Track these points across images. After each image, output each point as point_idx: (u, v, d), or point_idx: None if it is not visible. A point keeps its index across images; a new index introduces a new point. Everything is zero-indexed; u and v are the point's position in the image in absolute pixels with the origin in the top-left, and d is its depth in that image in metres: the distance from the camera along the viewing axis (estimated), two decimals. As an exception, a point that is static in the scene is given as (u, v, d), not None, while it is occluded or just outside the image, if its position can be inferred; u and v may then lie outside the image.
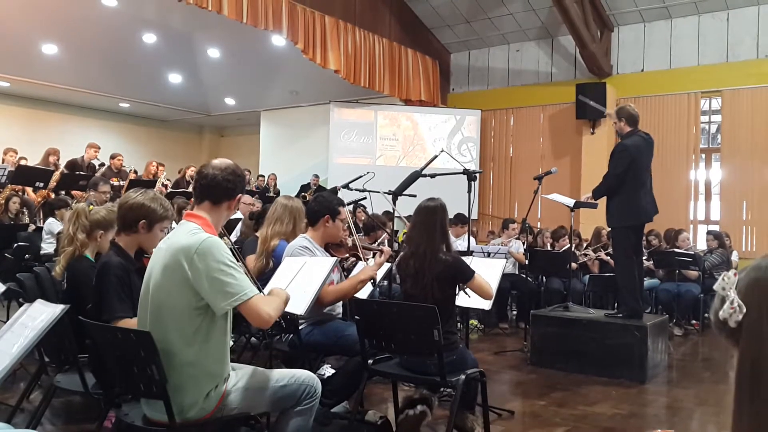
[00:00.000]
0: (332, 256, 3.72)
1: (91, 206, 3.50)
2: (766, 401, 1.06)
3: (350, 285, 3.55)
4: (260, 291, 2.76)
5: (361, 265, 3.93)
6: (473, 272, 3.32)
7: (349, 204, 4.75)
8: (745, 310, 1.08)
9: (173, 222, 3.24)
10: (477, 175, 4.56)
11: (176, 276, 2.29)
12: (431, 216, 3.39)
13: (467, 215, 4.63)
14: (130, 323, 2.66)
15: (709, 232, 8.48)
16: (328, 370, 3.84)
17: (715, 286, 1.14)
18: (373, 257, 3.98)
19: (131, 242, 2.99)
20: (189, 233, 2.34)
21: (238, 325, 3.97)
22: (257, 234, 4.64)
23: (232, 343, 4.89)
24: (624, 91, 10.79)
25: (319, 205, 3.83)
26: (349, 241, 4.00)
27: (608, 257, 7.94)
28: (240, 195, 2.56)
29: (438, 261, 3.27)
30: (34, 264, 5.38)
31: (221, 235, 2.48)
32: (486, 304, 3.71)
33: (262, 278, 3.95)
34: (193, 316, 2.29)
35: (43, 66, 11.57)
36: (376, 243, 6.21)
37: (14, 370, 2.93)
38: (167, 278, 2.32)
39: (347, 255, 4.01)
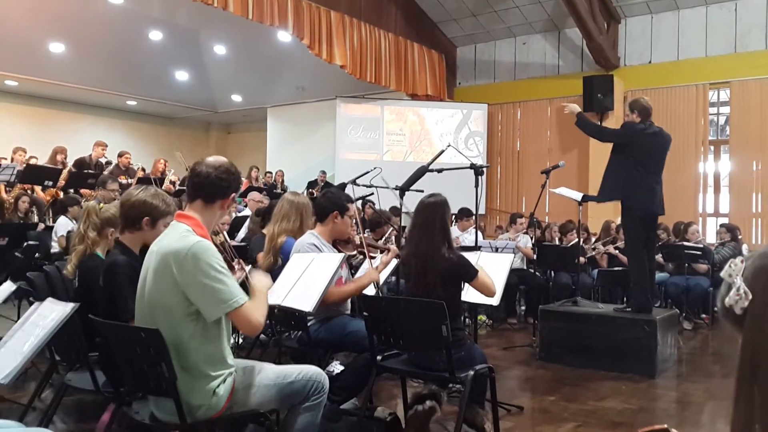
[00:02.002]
0: (340, 252, 3.72)
1: (102, 204, 3.52)
2: (762, 388, 1.08)
3: (354, 288, 3.56)
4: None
5: (367, 263, 3.93)
6: (476, 271, 3.29)
7: (357, 200, 4.74)
8: (750, 297, 1.10)
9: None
10: (484, 169, 4.55)
11: (167, 281, 2.26)
12: (431, 214, 3.33)
13: (474, 210, 4.62)
14: None
15: (722, 225, 8.40)
16: (337, 367, 3.84)
17: (722, 273, 1.17)
18: (380, 254, 3.98)
19: (135, 239, 2.99)
20: (179, 236, 2.29)
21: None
22: (264, 231, 4.64)
23: (241, 340, 4.94)
24: (631, 83, 10.73)
25: (328, 201, 3.81)
26: (357, 238, 3.99)
27: (617, 251, 7.91)
28: (234, 194, 2.48)
29: (441, 259, 3.24)
30: (44, 263, 5.41)
31: (216, 233, 2.45)
32: (494, 300, 3.70)
33: (270, 276, 3.95)
34: (187, 321, 2.27)
35: (51, 65, 11.62)
36: (383, 238, 6.21)
37: (26, 369, 2.95)
38: (159, 282, 2.30)
39: (355, 252, 4.00)
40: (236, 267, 2.83)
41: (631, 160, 5.20)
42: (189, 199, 2.45)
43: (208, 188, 2.40)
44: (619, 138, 5.37)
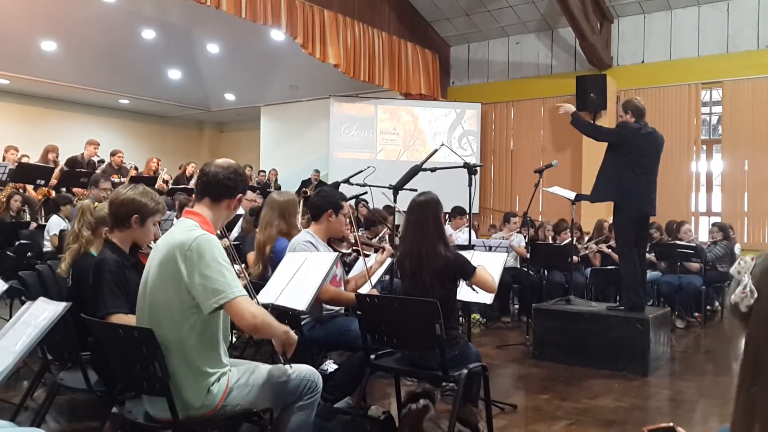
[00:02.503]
0: (335, 251, 3.72)
1: (96, 203, 3.50)
2: (763, 386, 1.08)
3: (349, 298, 3.56)
4: (254, 297, 2.76)
5: (362, 261, 3.92)
6: (474, 268, 3.29)
7: (350, 199, 4.73)
8: (756, 295, 1.11)
9: (175, 218, 3.23)
10: (477, 168, 4.55)
11: (170, 272, 2.29)
12: (423, 213, 3.32)
13: (468, 209, 4.62)
14: (123, 318, 2.67)
15: (714, 224, 8.46)
16: (330, 366, 3.85)
17: (731, 270, 1.17)
18: (375, 253, 3.98)
19: (125, 238, 2.98)
20: (186, 230, 2.34)
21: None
22: (257, 230, 4.63)
23: (235, 339, 4.93)
24: (624, 83, 10.77)
25: (322, 199, 3.81)
26: (351, 237, 3.99)
27: (609, 250, 7.93)
28: (241, 195, 2.55)
29: (438, 257, 3.23)
30: (36, 262, 5.38)
31: (220, 237, 2.47)
32: (488, 299, 3.71)
33: (263, 279, 3.94)
34: (188, 314, 2.28)
35: (43, 63, 11.55)
36: (377, 237, 6.22)
37: (18, 369, 2.94)
38: (162, 275, 2.32)
39: (349, 250, 4.00)
40: (238, 273, 2.83)
41: (625, 160, 5.21)
42: (197, 198, 2.54)
43: (216, 188, 2.47)
44: (614, 137, 5.38)
